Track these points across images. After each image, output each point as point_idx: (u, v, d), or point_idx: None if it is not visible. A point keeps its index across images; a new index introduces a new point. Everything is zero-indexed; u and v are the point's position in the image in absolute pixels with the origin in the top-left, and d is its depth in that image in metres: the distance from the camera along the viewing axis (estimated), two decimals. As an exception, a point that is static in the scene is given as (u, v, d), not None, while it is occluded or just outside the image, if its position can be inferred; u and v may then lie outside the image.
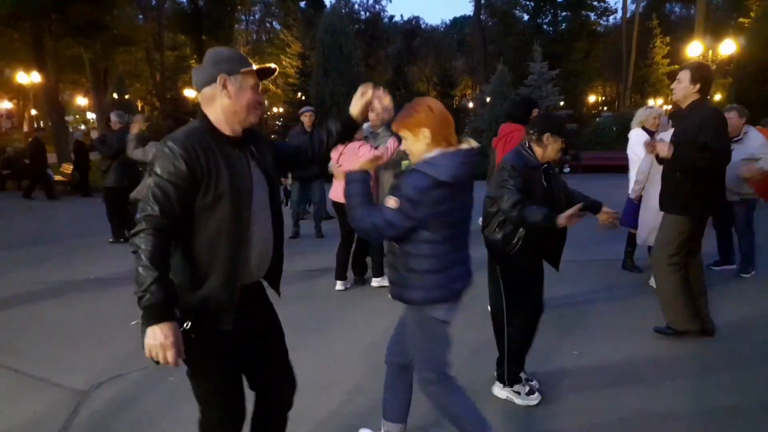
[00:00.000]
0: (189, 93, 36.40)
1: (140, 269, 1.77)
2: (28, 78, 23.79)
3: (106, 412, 3.30)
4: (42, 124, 43.35)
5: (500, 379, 3.38)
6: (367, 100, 2.26)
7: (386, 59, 47.88)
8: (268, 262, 2.14)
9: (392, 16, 53.46)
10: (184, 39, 40.65)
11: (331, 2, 35.40)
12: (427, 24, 59.17)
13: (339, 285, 5.76)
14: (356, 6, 47.15)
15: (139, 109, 44.85)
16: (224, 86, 1.94)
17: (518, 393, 3.32)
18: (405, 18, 56.64)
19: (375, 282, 5.81)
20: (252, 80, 2.00)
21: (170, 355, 1.76)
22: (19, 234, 9.22)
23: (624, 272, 6.18)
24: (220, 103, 1.96)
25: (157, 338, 1.75)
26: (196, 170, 1.84)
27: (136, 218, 1.83)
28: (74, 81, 35.29)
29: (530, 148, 3.18)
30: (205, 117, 1.99)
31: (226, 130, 1.99)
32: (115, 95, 37.56)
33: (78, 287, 5.94)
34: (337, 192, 5.58)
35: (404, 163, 5.11)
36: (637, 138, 5.70)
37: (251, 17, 50.85)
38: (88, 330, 4.69)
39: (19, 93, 43.32)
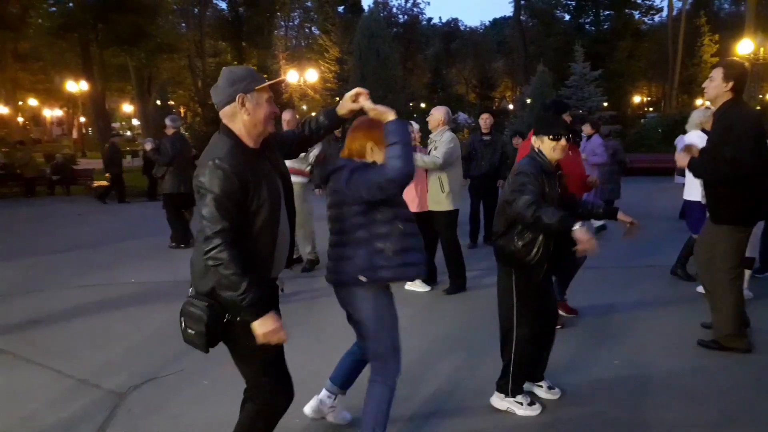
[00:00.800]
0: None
1: (232, 277, 2.01)
2: (77, 86, 24.68)
3: (142, 414, 3.33)
4: (90, 131, 44.93)
5: (501, 389, 3.27)
6: (358, 108, 2.48)
7: (424, 62, 47.80)
8: (287, 255, 2.38)
9: (430, 19, 53.20)
10: (225, 46, 41.46)
11: (369, 6, 35.66)
12: (466, 26, 58.61)
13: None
14: (394, 9, 47.28)
15: (182, 115, 45.96)
16: (243, 104, 2.13)
17: (520, 404, 3.24)
18: (443, 20, 56.04)
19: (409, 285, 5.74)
20: (266, 95, 2.19)
21: (282, 336, 2.12)
22: (65, 238, 9.50)
23: (673, 280, 5.93)
24: (241, 120, 2.16)
25: (268, 326, 2.07)
26: (245, 183, 2.06)
27: (207, 235, 2.02)
28: (120, 88, 36.40)
29: (540, 151, 3.12)
30: (232, 133, 2.17)
31: (249, 143, 2.19)
32: (159, 102, 38.52)
33: (119, 291, 6.07)
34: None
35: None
36: (696, 141, 5.47)
37: (290, 23, 51.53)
38: (127, 333, 4.78)
39: (68, 101, 44.99)
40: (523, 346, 3.17)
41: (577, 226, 2.80)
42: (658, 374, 3.72)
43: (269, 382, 2.31)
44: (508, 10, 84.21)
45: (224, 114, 2.16)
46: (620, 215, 3.27)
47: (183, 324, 2.17)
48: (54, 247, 8.47)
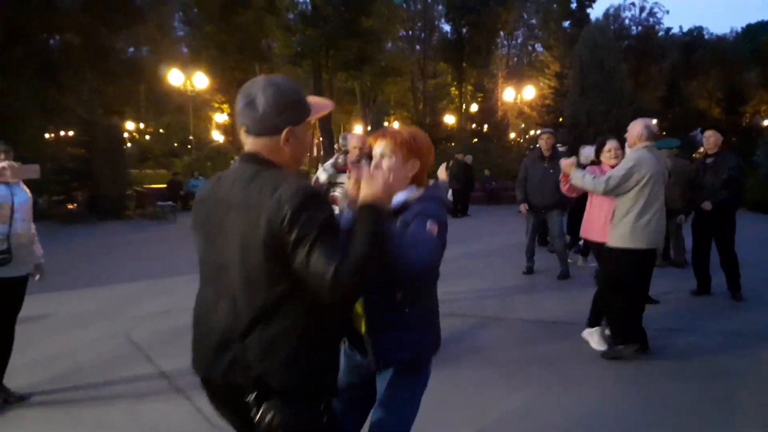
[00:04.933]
0: (448, 119, 37.81)
1: (373, 253, 1.58)
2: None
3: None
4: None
5: None
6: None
7: (659, 75, 43.45)
8: None
9: (669, 29, 47.91)
10: (445, 67, 42.48)
11: (596, 19, 33.48)
12: (712, 34, 51.72)
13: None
14: (627, 21, 43.82)
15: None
16: (288, 140, 1.76)
17: None
18: (684, 29, 50.11)
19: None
20: (309, 125, 2.07)
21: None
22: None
23: None
24: (283, 154, 1.80)
25: (372, 179, 1.70)
26: None
27: (338, 276, 1.56)
28: (347, 111, 39.44)
29: None
30: (279, 167, 1.87)
31: None
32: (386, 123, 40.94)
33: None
34: (591, 228, 4.68)
35: None
36: None
37: (513, 41, 50.99)
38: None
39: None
40: None
41: None
42: None
43: None
44: (764, 13, 73.21)
45: (264, 145, 1.73)
46: None
47: None
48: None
